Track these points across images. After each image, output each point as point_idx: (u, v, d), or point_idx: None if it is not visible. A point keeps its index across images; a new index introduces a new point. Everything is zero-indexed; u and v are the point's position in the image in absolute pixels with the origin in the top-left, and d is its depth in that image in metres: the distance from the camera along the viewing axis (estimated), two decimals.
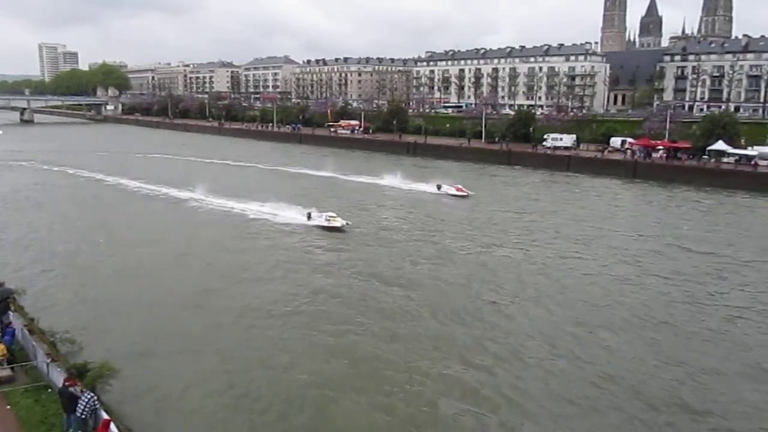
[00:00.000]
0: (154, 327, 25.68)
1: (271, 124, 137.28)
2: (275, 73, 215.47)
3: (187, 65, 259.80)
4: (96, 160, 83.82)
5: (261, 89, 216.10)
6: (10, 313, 21.59)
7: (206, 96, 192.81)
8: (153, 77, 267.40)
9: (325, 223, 43.75)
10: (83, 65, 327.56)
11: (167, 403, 19.87)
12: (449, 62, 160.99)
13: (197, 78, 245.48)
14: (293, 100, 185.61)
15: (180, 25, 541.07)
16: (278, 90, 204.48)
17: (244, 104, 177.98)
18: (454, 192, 59.76)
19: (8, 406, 16.55)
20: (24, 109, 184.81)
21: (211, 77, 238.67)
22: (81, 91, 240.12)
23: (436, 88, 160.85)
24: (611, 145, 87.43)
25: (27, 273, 32.46)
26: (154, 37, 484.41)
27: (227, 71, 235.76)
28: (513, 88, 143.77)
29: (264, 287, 31.31)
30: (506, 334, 25.64)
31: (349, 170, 74.11)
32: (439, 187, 61.13)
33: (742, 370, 22.68)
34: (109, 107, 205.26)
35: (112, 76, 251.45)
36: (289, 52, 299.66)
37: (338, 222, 43.72)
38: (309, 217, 45.43)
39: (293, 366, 22.40)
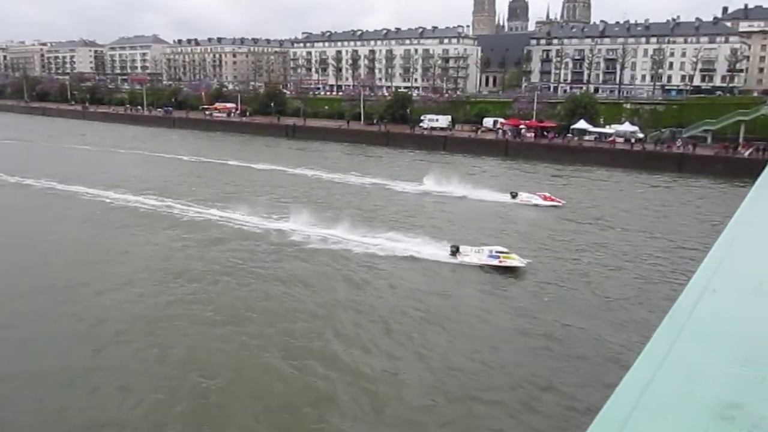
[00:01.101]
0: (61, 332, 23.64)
1: (140, 108, 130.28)
2: (144, 54, 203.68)
3: (44, 44, 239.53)
4: None
5: (129, 70, 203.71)
6: None
7: (68, 77, 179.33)
8: (5, 57, 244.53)
9: (493, 262, 30.97)
10: None
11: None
12: (326, 44, 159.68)
13: (56, 58, 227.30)
14: (164, 82, 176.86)
15: None
16: (148, 71, 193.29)
17: (110, 86, 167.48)
18: (540, 201, 47.31)
19: None
20: None
21: (72, 57, 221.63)
22: None
23: (313, 69, 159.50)
24: (484, 125, 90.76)
25: None
26: (4, 13, 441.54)
27: (90, 51, 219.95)
28: (390, 70, 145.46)
29: None
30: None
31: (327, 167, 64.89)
32: (514, 196, 48.51)
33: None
34: None
35: None
36: (157, 30, 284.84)
37: (515, 260, 30.97)
38: (455, 251, 32.28)
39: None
